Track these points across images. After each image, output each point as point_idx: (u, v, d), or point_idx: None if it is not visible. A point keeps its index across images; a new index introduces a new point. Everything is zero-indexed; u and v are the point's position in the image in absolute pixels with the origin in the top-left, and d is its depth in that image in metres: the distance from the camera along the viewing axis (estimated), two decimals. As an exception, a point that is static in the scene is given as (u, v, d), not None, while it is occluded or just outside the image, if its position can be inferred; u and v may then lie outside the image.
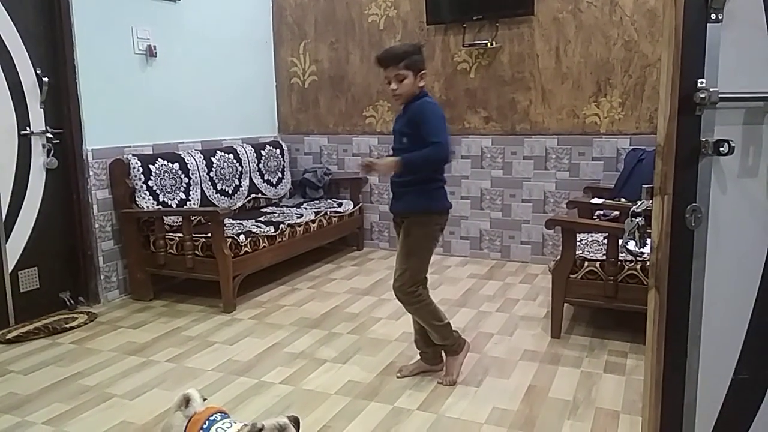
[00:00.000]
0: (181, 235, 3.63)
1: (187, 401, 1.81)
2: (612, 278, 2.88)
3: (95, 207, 3.65)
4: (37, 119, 3.45)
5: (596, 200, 3.71)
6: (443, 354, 2.68)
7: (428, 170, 2.47)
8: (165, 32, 4.08)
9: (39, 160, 3.47)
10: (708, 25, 1.24)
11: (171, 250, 3.67)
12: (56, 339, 3.19)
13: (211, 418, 1.76)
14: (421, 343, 2.70)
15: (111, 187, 3.72)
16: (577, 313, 3.40)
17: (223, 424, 1.75)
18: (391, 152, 2.62)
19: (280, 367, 2.81)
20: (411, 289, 2.52)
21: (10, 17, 3.27)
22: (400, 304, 2.59)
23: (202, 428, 1.74)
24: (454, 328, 2.63)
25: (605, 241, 2.99)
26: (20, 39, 3.33)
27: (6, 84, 3.27)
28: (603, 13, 4.09)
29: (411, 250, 2.51)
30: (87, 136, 3.60)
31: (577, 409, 2.38)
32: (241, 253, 3.62)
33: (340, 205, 4.73)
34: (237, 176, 4.49)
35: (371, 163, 2.48)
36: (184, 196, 3.98)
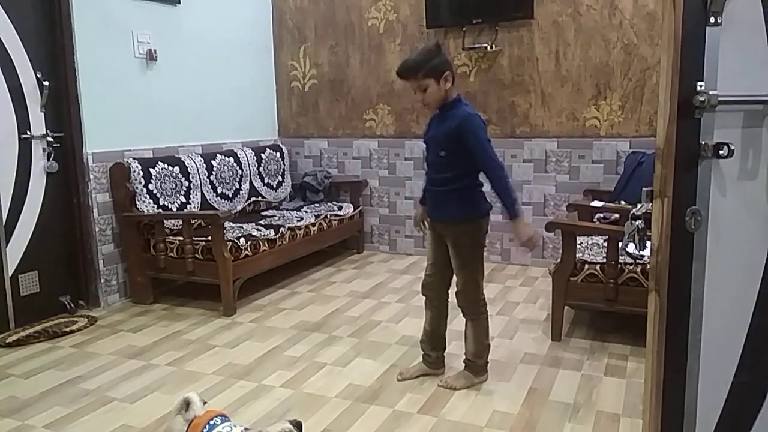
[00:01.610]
0: (181, 238, 3.63)
1: (187, 405, 1.82)
2: (612, 281, 2.88)
3: (95, 210, 3.65)
4: (38, 123, 3.45)
5: (596, 203, 3.71)
6: (463, 367, 2.66)
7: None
8: (165, 36, 4.08)
9: (39, 164, 3.47)
10: (707, 28, 1.24)
11: (171, 254, 3.67)
12: (56, 342, 3.19)
13: (212, 422, 1.76)
14: (426, 345, 2.70)
15: (111, 191, 3.72)
16: (578, 316, 3.40)
17: (223, 427, 1.75)
18: (425, 165, 2.59)
19: (280, 370, 2.80)
20: (480, 297, 2.54)
21: (11, 21, 3.28)
22: (462, 312, 2.58)
23: (202, 432, 1.74)
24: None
25: (605, 244, 2.99)
26: (21, 42, 3.34)
27: (6, 88, 3.28)
28: (602, 17, 4.09)
29: (465, 260, 2.50)
30: (87, 140, 3.60)
31: (578, 412, 2.38)
32: (242, 256, 3.62)
33: (340, 208, 4.74)
34: (237, 180, 4.49)
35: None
36: (184, 200, 3.98)
